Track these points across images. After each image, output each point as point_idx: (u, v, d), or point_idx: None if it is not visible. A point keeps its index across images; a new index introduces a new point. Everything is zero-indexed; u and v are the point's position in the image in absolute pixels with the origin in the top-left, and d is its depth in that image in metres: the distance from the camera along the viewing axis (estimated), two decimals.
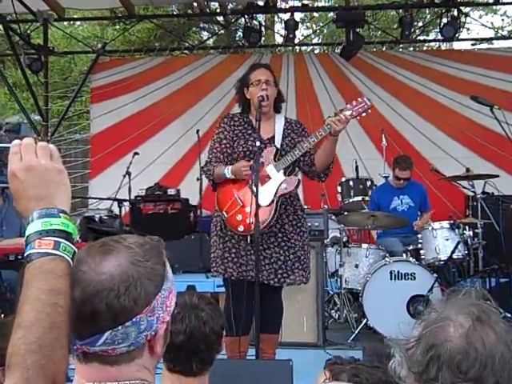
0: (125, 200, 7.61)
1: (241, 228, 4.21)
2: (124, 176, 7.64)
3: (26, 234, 1.32)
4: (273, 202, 4.20)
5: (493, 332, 1.31)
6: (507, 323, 1.36)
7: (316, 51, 13.20)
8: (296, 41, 10.36)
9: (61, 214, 1.34)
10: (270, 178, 4.25)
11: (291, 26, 9.67)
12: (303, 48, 12.90)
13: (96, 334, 1.31)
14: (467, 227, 6.11)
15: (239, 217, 4.22)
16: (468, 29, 14.66)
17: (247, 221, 4.12)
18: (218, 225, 4.37)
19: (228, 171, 4.21)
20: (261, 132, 4.15)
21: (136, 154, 8.05)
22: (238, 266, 4.26)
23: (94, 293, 1.31)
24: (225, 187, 4.30)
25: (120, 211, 7.50)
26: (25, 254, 1.31)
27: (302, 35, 13.77)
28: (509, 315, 5.92)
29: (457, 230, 6.05)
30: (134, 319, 1.32)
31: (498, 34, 12.46)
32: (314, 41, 14.15)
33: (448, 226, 6.11)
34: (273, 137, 4.31)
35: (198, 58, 10.63)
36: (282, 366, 3.64)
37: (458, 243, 5.90)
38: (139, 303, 1.32)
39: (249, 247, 4.22)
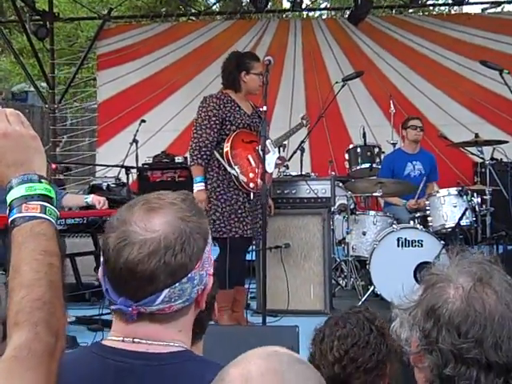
0: (132, 167, 7.58)
1: (252, 185, 4.89)
2: (131, 144, 7.61)
3: (9, 199, 1.32)
4: (272, 172, 5.06)
5: (493, 292, 1.30)
6: (511, 283, 1.34)
7: (324, 16, 13.05)
8: (303, 6, 10.23)
9: (42, 180, 1.35)
10: (269, 151, 4.95)
11: None
12: (311, 13, 12.75)
13: (154, 293, 1.32)
14: (475, 194, 6.06)
15: (251, 175, 4.90)
16: None
17: (257, 180, 4.81)
18: (223, 186, 4.86)
19: (198, 186, 4.85)
20: (244, 108, 5.01)
21: (143, 121, 8.00)
22: (244, 225, 4.86)
23: (152, 252, 1.30)
24: (238, 146, 4.92)
25: (127, 179, 7.47)
26: (10, 219, 1.31)
27: (310, 0, 13.56)
28: None
29: (464, 197, 6.00)
30: (189, 275, 1.33)
31: None
32: (322, 6, 13.99)
33: (456, 193, 6.06)
34: (252, 113, 5.07)
35: (204, 23, 10.52)
36: (288, 332, 3.66)
37: (466, 210, 5.87)
38: (193, 259, 1.34)
39: (252, 208, 4.94)
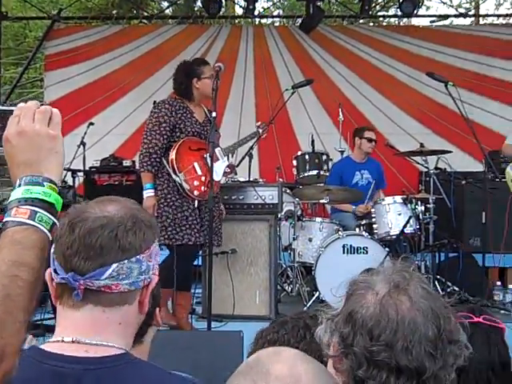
0: (78, 170, 7.50)
1: (196, 193, 4.88)
2: (78, 146, 7.51)
3: (9, 201, 1.29)
4: (220, 180, 5.12)
5: (408, 299, 1.34)
6: (429, 290, 1.39)
7: (276, 24, 13.14)
8: (256, 13, 10.29)
9: (45, 183, 1.30)
10: (218, 158, 5.01)
11: None
12: (263, 20, 12.82)
13: (103, 266, 1.33)
14: (419, 202, 6.19)
15: (196, 183, 4.89)
16: (427, 6, 14.74)
17: (202, 188, 4.84)
18: (174, 193, 4.80)
19: (147, 192, 4.85)
20: (196, 116, 5.04)
21: (91, 124, 7.91)
22: (195, 232, 4.88)
23: (104, 224, 1.35)
24: (185, 153, 4.91)
25: (74, 182, 7.40)
26: (3, 221, 1.28)
27: (262, 7, 13.65)
28: (456, 288, 6.06)
29: (409, 205, 6.14)
30: (138, 257, 1.36)
31: (456, 12, 12.56)
32: (275, 13, 14.08)
33: (401, 201, 6.19)
34: (204, 121, 5.09)
35: (156, 27, 10.47)
36: (232, 337, 3.66)
37: (410, 218, 6.00)
38: (143, 244, 1.37)
39: (201, 215, 4.96)
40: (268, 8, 14.08)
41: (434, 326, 1.33)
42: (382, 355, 1.30)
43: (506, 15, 14.24)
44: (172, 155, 4.87)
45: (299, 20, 10.32)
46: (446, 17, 12.25)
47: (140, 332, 2.35)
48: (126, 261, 1.35)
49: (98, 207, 1.38)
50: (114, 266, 1.34)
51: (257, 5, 9.82)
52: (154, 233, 1.43)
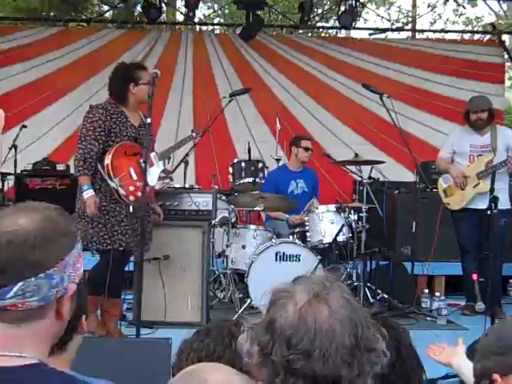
0: (8, 174, 7.33)
1: (131, 198, 4.81)
2: (10, 149, 7.34)
3: None
4: (155, 185, 5.09)
5: (327, 308, 1.35)
6: (350, 299, 1.40)
7: (217, 31, 13.15)
8: (196, 20, 10.28)
9: None
10: (153, 163, 5.01)
11: (191, 4, 9.58)
12: (204, 27, 12.82)
13: (7, 284, 1.29)
14: (352, 211, 6.29)
15: (131, 188, 4.83)
16: (366, 19, 15.05)
17: (138, 194, 4.74)
18: (107, 197, 4.88)
19: (87, 192, 4.78)
20: (132, 120, 5.00)
21: (24, 126, 7.75)
22: (127, 238, 4.85)
23: (9, 241, 1.30)
24: (120, 158, 4.85)
25: (3, 185, 7.23)
26: None
27: (204, 15, 13.66)
28: (386, 296, 6.16)
29: (342, 214, 6.23)
30: (47, 272, 1.32)
31: (394, 26, 12.83)
32: (215, 21, 14.09)
33: (334, 210, 6.28)
34: (140, 125, 5.02)
35: (94, 30, 10.31)
36: (161, 345, 3.62)
37: (343, 226, 6.08)
38: (53, 257, 1.33)
39: (133, 221, 4.85)
40: (209, 15, 14.10)
41: (352, 335, 1.34)
42: (299, 364, 1.31)
43: (441, 31, 14.69)
44: (107, 160, 4.82)
45: (240, 28, 10.34)
46: (385, 30, 12.50)
47: (63, 339, 2.30)
48: (32, 278, 1.31)
49: (9, 219, 1.33)
50: (20, 284, 1.30)
51: (197, 12, 9.80)
52: (73, 239, 1.39)
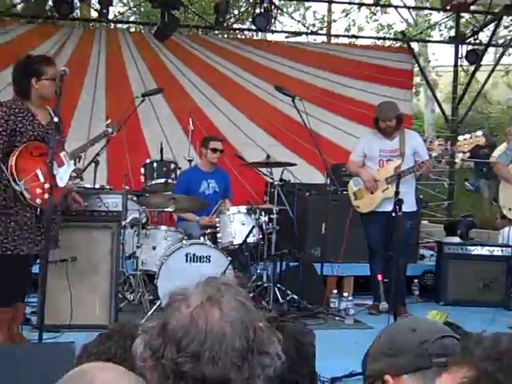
0: None
1: (38, 201, 4.57)
2: None
3: None
4: (65, 186, 4.86)
5: (218, 311, 1.35)
6: (244, 302, 1.41)
7: (132, 30, 12.97)
8: (111, 17, 10.10)
9: None
10: (63, 163, 4.81)
11: (105, 1, 9.40)
12: (118, 25, 12.60)
13: None
14: (263, 213, 6.34)
15: (38, 190, 4.56)
16: (281, 23, 15.22)
17: (45, 196, 4.49)
18: (9, 200, 4.58)
19: None
20: (40, 118, 4.72)
21: None
22: (28, 242, 4.59)
23: None
24: (26, 159, 4.59)
25: None
26: None
27: (119, 12, 13.43)
28: (296, 297, 6.25)
29: (253, 215, 6.27)
30: None
31: (309, 30, 13.01)
32: (130, 19, 13.90)
33: (245, 211, 6.32)
34: (49, 123, 4.74)
35: (3, 24, 9.97)
36: (63, 350, 3.55)
37: (253, 228, 6.13)
38: None
39: (38, 224, 4.61)
40: (123, 13, 13.89)
41: (243, 338, 1.34)
42: (188, 366, 1.31)
43: (355, 36, 15.04)
44: (11, 162, 4.53)
45: (155, 27, 10.22)
46: (301, 34, 12.66)
47: None
48: None
49: None
50: None
51: (112, 9, 9.63)
52: None
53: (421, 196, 8.85)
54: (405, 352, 1.78)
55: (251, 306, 1.44)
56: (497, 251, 7.49)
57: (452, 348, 1.75)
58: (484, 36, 10.99)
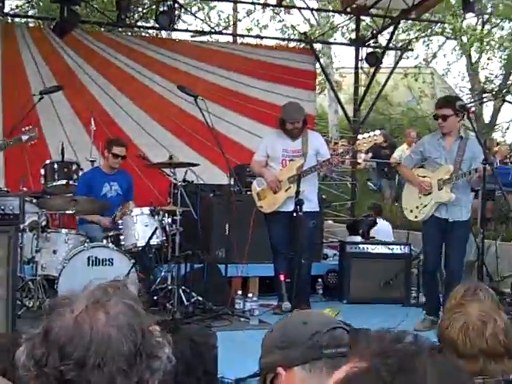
0: None
1: None
2: None
3: None
4: None
5: (105, 315, 1.31)
6: (132, 305, 1.36)
7: (30, 24, 12.54)
8: (7, 10, 9.71)
9: None
10: None
11: None
12: (16, 20, 12.15)
13: None
14: (167, 214, 6.28)
15: None
16: (185, 21, 15.14)
17: None
18: None
19: None
20: None
21: None
22: None
23: None
24: None
25: None
26: None
27: (16, 5, 12.92)
28: (201, 298, 6.22)
29: (156, 217, 6.20)
30: None
31: (214, 30, 13.00)
32: (30, 13, 13.42)
33: (148, 213, 6.24)
34: None
35: None
36: None
37: (156, 229, 6.06)
38: None
39: None
40: (21, 7, 13.39)
41: (130, 342, 1.30)
42: (72, 374, 1.26)
43: (260, 37, 15.17)
44: None
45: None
46: (206, 33, 12.61)
47: None
48: None
49: None
50: None
51: (8, 2, 9.27)
52: None
53: (324, 196, 9.03)
54: (297, 344, 1.80)
55: (140, 309, 1.40)
56: (396, 249, 7.73)
57: (342, 339, 1.79)
58: (384, 39, 11.30)
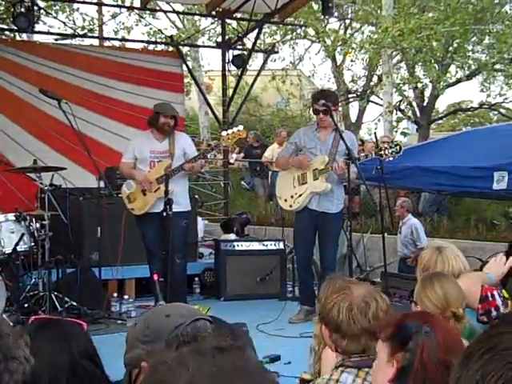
0: None
1: None
2: None
3: None
4: None
5: None
6: None
7: None
8: None
9: None
10: None
11: None
12: None
13: None
14: (34, 219, 6.06)
15: None
16: (46, 23, 14.67)
17: None
18: None
19: None
20: None
21: None
22: None
23: None
24: None
25: None
26: None
27: None
28: (75, 303, 6.05)
29: (23, 222, 5.97)
30: None
31: (78, 33, 12.70)
32: None
33: (13, 219, 6.00)
34: None
35: None
36: None
37: (23, 235, 5.84)
38: None
39: None
40: None
41: None
42: None
43: (126, 40, 14.96)
44: None
45: None
46: (71, 36, 12.29)
47: None
48: None
49: None
50: None
51: None
52: None
53: (196, 196, 9.04)
54: (161, 337, 1.80)
55: None
56: (271, 245, 7.87)
57: (205, 329, 1.81)
58: (251, 42, 11.45)
